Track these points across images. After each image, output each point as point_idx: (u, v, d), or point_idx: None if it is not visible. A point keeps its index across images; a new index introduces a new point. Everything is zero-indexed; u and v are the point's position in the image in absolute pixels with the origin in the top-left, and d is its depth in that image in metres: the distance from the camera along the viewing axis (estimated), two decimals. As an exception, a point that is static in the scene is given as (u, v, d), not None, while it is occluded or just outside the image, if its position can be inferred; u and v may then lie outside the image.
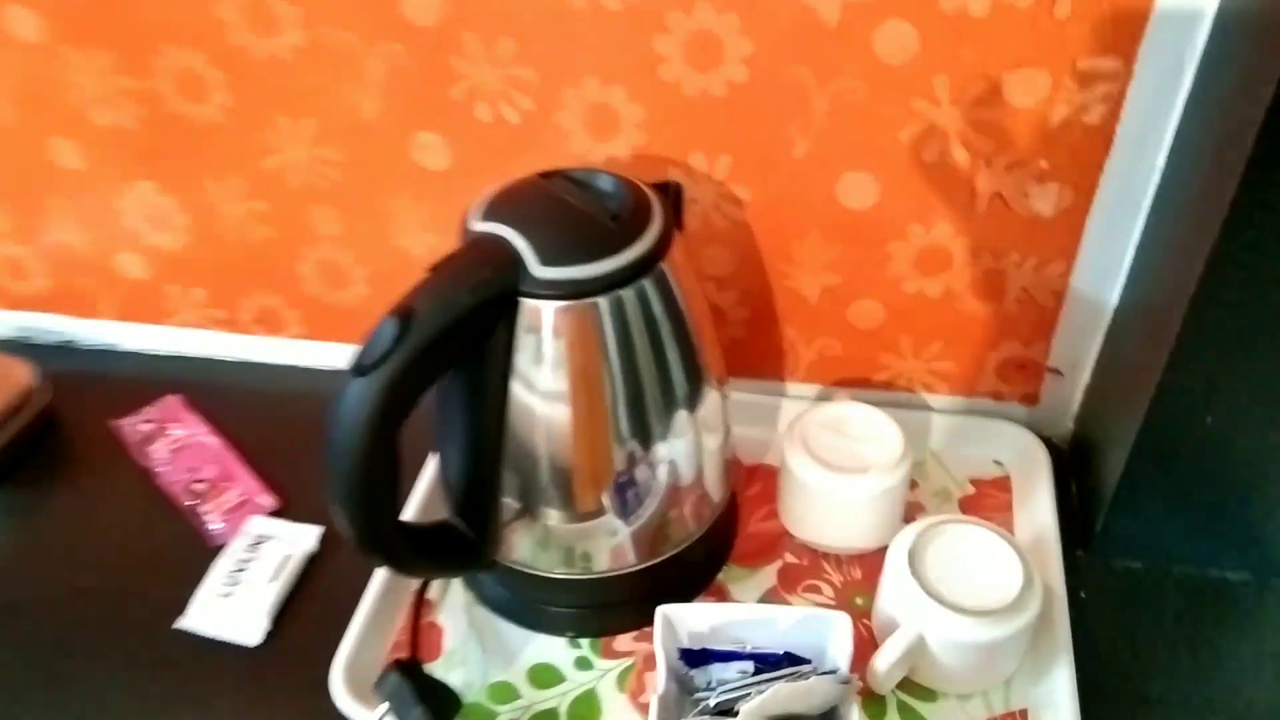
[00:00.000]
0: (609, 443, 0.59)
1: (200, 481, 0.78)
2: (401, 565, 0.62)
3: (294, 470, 0.79)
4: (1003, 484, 0.76)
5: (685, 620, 0.60)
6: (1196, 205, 0.59)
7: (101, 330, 0.93)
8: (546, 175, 0.60)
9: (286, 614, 0.69)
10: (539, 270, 0.54)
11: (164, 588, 0.70)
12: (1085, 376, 0.76)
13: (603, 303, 0.55)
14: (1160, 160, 0.64)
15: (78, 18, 0.73)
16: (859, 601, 0.68)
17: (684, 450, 0.62)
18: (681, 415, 0.61)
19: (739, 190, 0.72)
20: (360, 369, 0.50)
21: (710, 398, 0.63)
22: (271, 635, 0.68)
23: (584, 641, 0.67)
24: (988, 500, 0.75)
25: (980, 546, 0.63)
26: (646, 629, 0.64)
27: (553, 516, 0.62)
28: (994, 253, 0.71)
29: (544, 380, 0.57)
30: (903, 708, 0.62)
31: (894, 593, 0.62)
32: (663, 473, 0.62)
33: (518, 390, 0.57)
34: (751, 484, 0.76)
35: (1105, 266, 0.70)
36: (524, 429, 0.58)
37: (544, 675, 0.65)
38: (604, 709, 0.63)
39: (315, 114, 0.74)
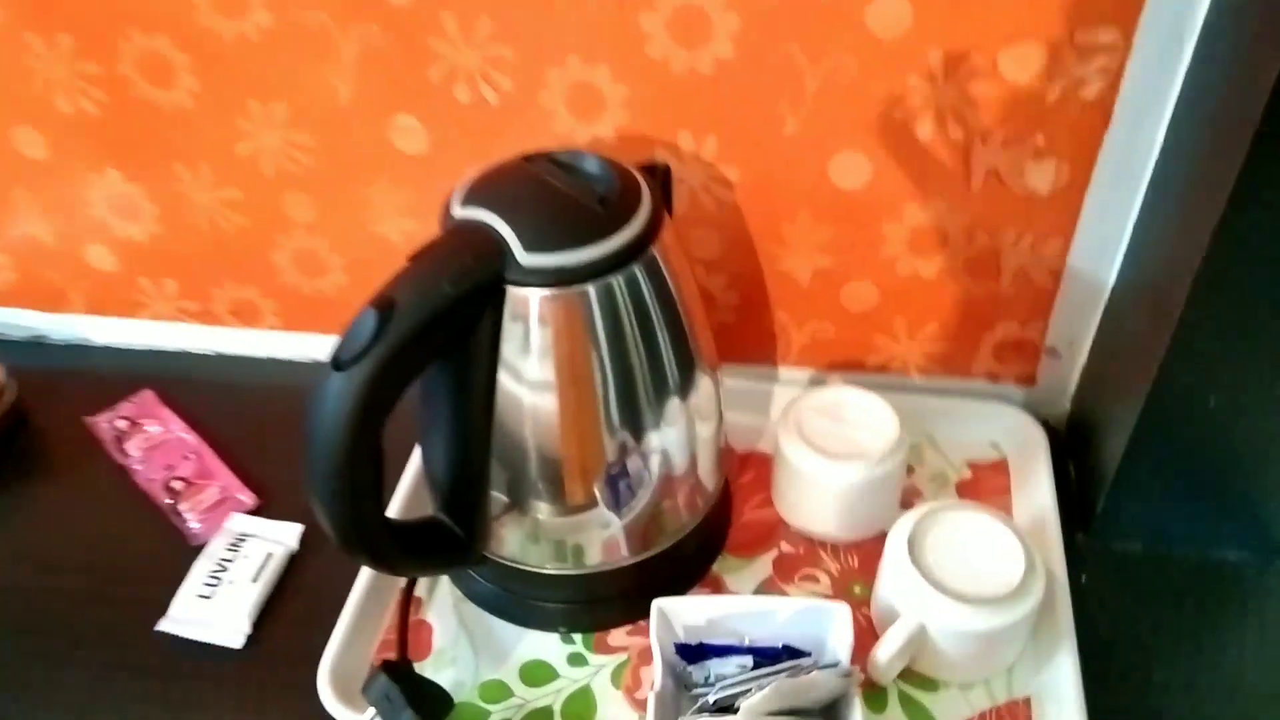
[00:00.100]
0: (600, 433, 0.58)
1: (177, 479, 0.77)
2: (387, 563, 0.60)
3: (274, 466, 0.78)
4: (1000, 467, 0.75)
5: (681, 614, 0.59)
6: (1199, 180, 0.57)
7: (71, 325, 0.91)
8: (530, 158, 0.58)
9: (269, 615, 0.68)
10: (525, 257, 0.52)
11: (142, 589, 0.69)
12: (1082, 357, 0.75)
13: (591, 290, 0.53)
14: (1160, 135, 0.63)
15: (37, 1, 0.70)
16: (857, 590, 0.67)
17: (677, 439, 0.61)
18: (674, 403, 0.59)
19: (728, 171, 0.70)
20: (340, 363, 0.48)
21: (703, 385, 0.61)
22: (254, 637, 0.67)
23: (577, 637, 0.66)
24: (985, 484, 0.74)
25: (980, 532, 0.62)
26: (641, 623, 0.63)
27: (543, 510, 0.60)
28: (989, 231, 0.70)
29: (532, 370, 0.55)
30: (904, 698, 0.61)
31: (894, 582, 0.61)
32: (655, 463, 0.60)
33: (505, 381, 0.56)
34: (744, 471, 0.75)
35: (1103, 244, 0.69)
36: (512, 421, 0.57)
37: (537, 672, 0.64)
38: (599, 706, 0.62)
39: (287, 97, 0.72)
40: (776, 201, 0.71)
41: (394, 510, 0.71)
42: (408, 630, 0.63)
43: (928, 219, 0.70)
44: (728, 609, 0.59)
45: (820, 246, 0.73)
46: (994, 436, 0.77)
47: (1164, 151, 0.63)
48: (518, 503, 0.60)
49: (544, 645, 0.65)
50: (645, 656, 0.63)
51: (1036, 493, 0.71)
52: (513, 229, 0.52)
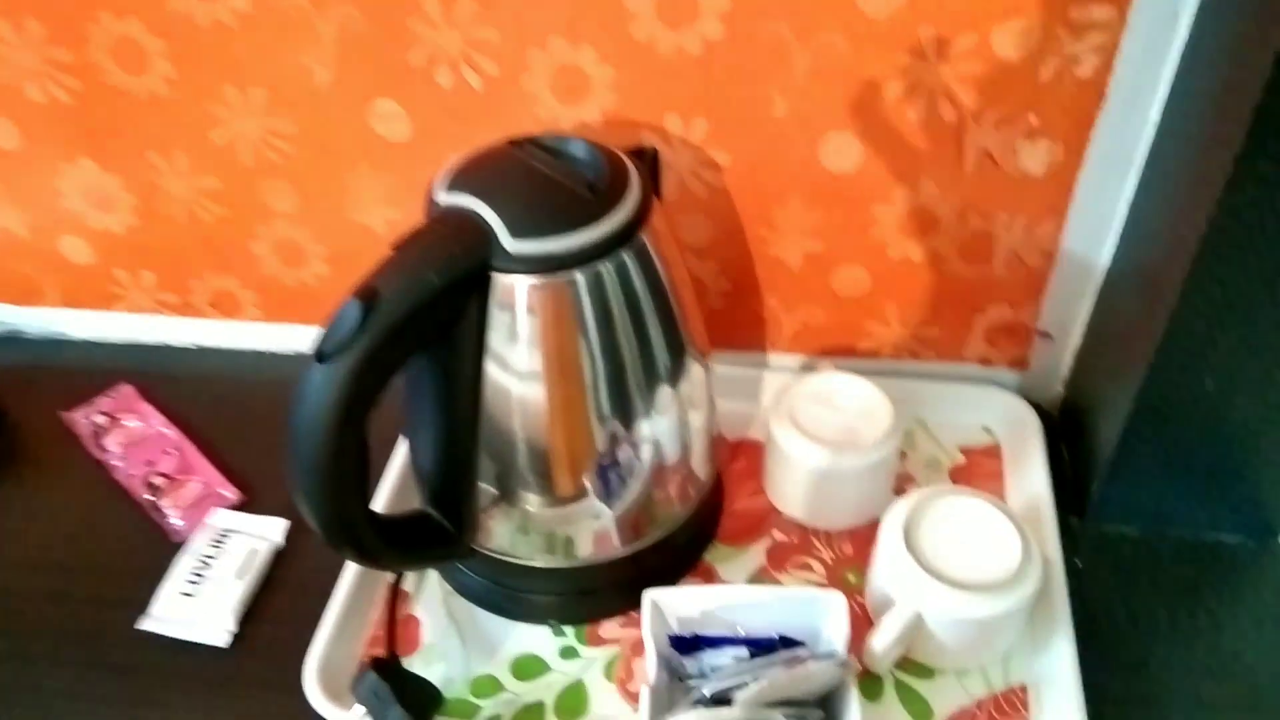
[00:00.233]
0: (589, 423, 0.57)
1: (158, 475, 0.76)
2: (373, 558, 0.59)
3: (257, 460, 0.76)
4: (993, 452, 0.74)
5: (674, 605, 0.58)
6: (1195, 159, 0.57)
7: (48, 319, 0.89)
8: (516, 143, 0.57)
9: (254, 612, 0.67)
10: (512, 244, 0.51)
11: (123, 588, 0.68)
12: (1075, 340, 0.75)
13: (580, 277, 0.52)
14: (1154, 114, 0.62)
15: (4, -15, 0.68)
16: (851, 578, 0.66)
17: (668, 428, 0.60)
18: (665, 392, 0.58)
19: (717, 154, 0.69)
20: (323, 355, 0.47)
21: (694, 372, 0.60)
22: (239, 635, 0.66)
23: (568, 630, 0.65)
24: (979, 469, 0.73)
25: (976, 518, 0.61)
26: (633, 614, 0.63)
27: (532, 502, 0.59)
28: (982, 213, 0.69)
29: (519, 360, 0.54)
30: (900, 687, 0.61)
31: (889, 569, 0.60)
32: (646, 452, 0.59)
33: (492, 371, 0.54)
34: (735, 460, 0.74)
35: (1097, 226, 0.68)
36: (500, 411, 0.56)
37: (528, 666, 0.63)
38: (592, 699, 0.61)
39: (264, 83, 0.70)
40: (766, 185, 0.70)
41: (380, 504, 0.70)
42: (396, 626, 0.63)
43: (919, 201, 0.69)
44: (721, 599, 0.58)
45: (811, 231, 0.72)
46: (987, 421, 0.76)
47: (1159, 131, 0.62)
48: (506, 495, 0.59)
49: (535, 639, 0.64)
50: (638, 648, 0.62)
51: (1030, 477, 0.71)
52: (499, 215, 0.51)
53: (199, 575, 0.68)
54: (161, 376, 0.84)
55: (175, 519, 0.72)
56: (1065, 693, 0.58)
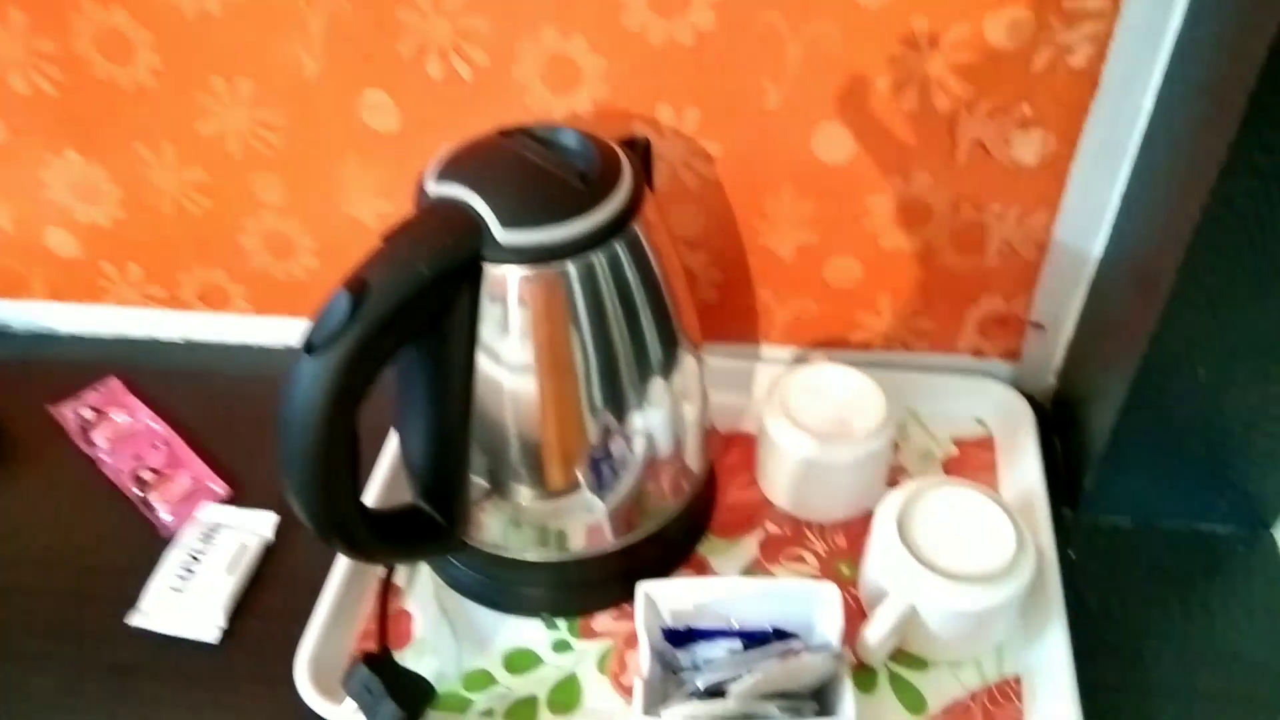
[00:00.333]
0: (581, 415, 0.57)
1: (147, 469, 0.75)
2: (365, 552, 0.59)
3: (246, 454, 0.76)
4: (986, 443, 0.74)
5: (667, 598, 0.58)
6: (1189, 149, 0.56)
7: (34, 312, 0.89)
8: (507, 133, 0.56)
9: (244, 607, 0.67)
10: (503, 234, 0.50)
11: (112, 583, 0.68)
12: (1068, 331, 0.74)
13: (572, 268, 0.52)
14: (1147, 103, 0.62)
15: (-14, -25, 0.68)
16: (844, 570, 0.66)
17: (661, 421, 0.59)
18: (657, 384, 0.58)
19: (709, 145, 0.68)
20: (312, 347, 0.47)
21: (687, 364, 0.60)
22: (229, 630, 0.65)
23: (561, 623, 0.64)
24: (971, 460, 0.73)
25: (969, 509, 0.61)
26: (626, 606, 0.62)
27: (525, 495, 0.59)
28: (975, 204, 0.69)
29: (511, 351, 0.53)
30: (894, 678, 0.61)
31: (882, 561, 0.60)
32: (639, 445, 0.59)
33: (483, 363, 0.54)
34: (728, 452, 0.74)
35: (1090, 216, 0.68)
36: (491, 404, 0.55)
37: (520, 660, 0.63)
38: (585, 692, 0.61)
39: (252, 74, 0.70)
40: (759, 176, 0.70)
41: (371, 497, 0.70)
42: (387, 620, 0.62)
43: (912, 192, 0.68)
44: (714, 592, 0.58)
45: (803, 221, 0.71)
46: (979, 412, 0.76)
47: (1152, 120, 0.62)
48: (498, 488, 0.59)
49: (527, 632, 0.64)
50: (631, 641, 0.62)
51: (1023, 469, 0.70)
52: (490, 206, 0.51)
53: (188, 570, 0.67)
54: (149, 370, 0.84)
55: (164, 514, 0.72)
56: (1058, 683, 0.58)
